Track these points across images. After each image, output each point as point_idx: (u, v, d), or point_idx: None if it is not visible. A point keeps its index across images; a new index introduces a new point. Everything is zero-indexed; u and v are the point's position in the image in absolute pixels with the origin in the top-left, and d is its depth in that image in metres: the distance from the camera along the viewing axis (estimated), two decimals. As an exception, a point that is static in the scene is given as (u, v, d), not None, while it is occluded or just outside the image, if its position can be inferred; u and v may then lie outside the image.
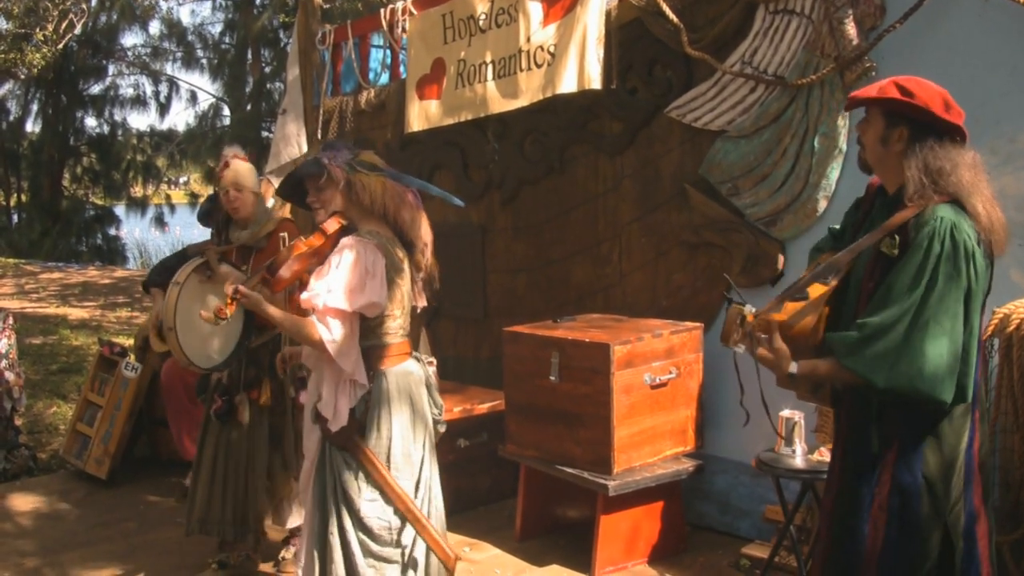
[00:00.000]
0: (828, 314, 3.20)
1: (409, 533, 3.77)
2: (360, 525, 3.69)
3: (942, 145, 3.07)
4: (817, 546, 3.40)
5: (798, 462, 4.53)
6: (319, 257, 3.77)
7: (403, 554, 3.77)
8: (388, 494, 3.71)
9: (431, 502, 3.89)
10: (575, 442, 5.17)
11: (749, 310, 3.23)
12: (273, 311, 3.76)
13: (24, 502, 6.47)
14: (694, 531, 5.62)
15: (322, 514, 3.77)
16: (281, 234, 4.85)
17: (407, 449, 3.78)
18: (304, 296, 3.64)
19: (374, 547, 3.70)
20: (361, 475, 3.71)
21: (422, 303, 4.08)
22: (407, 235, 3.85)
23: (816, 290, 3.21)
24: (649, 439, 5.19)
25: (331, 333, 3.59)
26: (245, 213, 5.03)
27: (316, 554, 3.76)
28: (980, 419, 3.17)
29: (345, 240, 3.70)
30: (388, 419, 3.74)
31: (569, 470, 5.18)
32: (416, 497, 3.79)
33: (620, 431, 5.02)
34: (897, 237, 3.05)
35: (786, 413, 4.60)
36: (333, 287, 3.58)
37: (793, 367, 3.11)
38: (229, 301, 3.76)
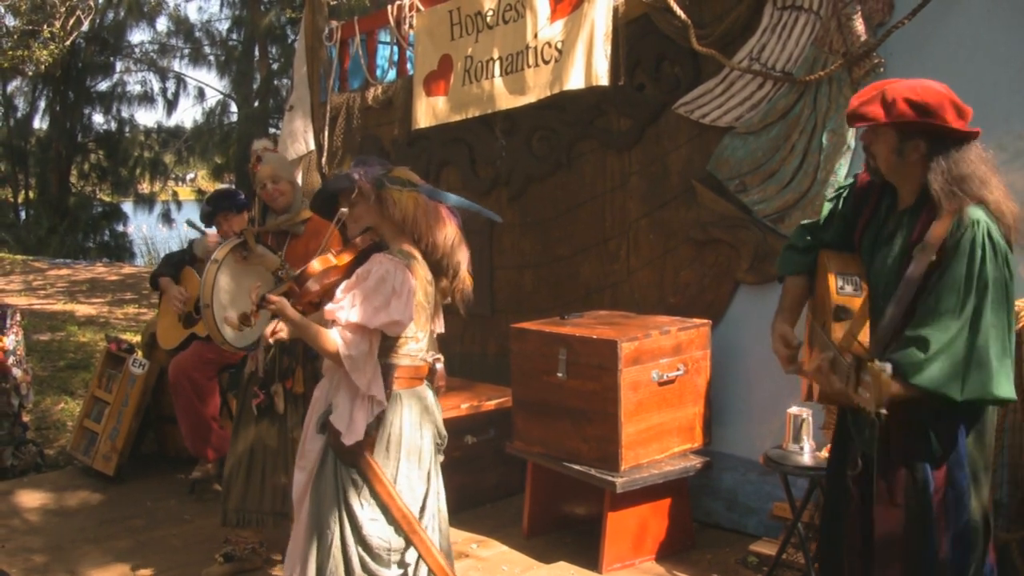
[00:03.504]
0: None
1: (412, 555, 3.72)
2: (361, 542, 3.65)
3: (960, 150, 3.10)
4: (878, 562, 3.30)
5: (806, 459, 4.51)
6: (349, 272, 3.75)
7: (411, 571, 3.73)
8: (393, 513, 3.66)
9: (438, 529, 3.85)
10: (582, 439, 5.16)
11: (889, 370, 2.92)
12: (295, 317, 3.75)
13: (32, 498, 6.48)
14: (701, 528, 5.62)
15: (319, 525, 3.72)
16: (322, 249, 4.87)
17: (411, 472, 3.74)
18: (328, 307, 3.63)
19: (372, 565, 3.66)
20: (366, 491, 3.67)
21: (439, 329, 4.08)
22: (438, 252, 3.79)
23: (854, 303, 3.22)
24: (656, 436, 5.19)
25: (348, 348, 3.57)
26: (285, 203, 5.06)
27: (313, 564, 3.73)
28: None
29: (376, 256, 3.67)
30: (398, 439, 3.70)
31: (576, 467, 5.18)
32: (422, 521, 3.75)
33: (627, 428, 5.02)
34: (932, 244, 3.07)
35: (794, 410, 4.59)
36: (357, 303, 3.56)
37: (864, 392, 3.01)
38: (255, 309, 3.76)
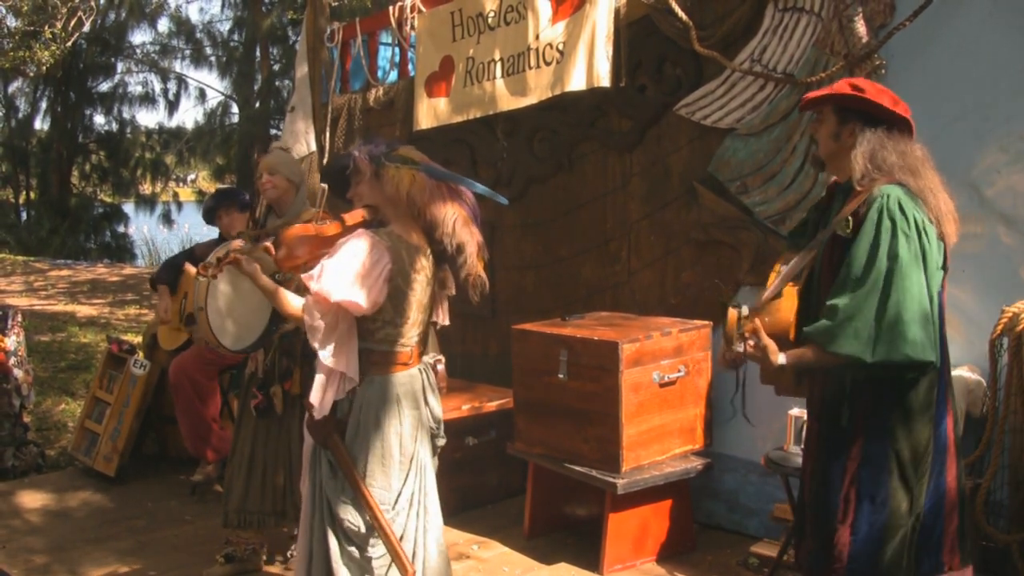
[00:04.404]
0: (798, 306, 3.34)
1: (381, 544, 3.69)
2: (336, 525, 3.65)
3: (890, 136, 3.25)
4: (805, 527, 3.48)
5: (807, 460, 4.51)
6: (333, 244, 3.68)
7: (376, 561, 3.68)
8: (360, 501, 3.65)
9: (419, 516, 3.80)
10: (584, 440, 5.17)
11: (744, 311, 3.32)
12: (268, 284, 3.76)
13: (33, 499, 6.48)
14: (702, 529, 5.62)
15: (311, 509, 3.75)
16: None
17: (387, 460, 3.70)
18: (304, 275, 3.61)
19: (348, 548, 3.66)
20: (340, 476, 3.67)
21: (443, 320, 4.04)
22: (438, 230, 3.71)
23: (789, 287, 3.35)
24: (658, 437, 5.19)
25: (312, 318, 3.55)
26: (274, 196, 5.04)
27: (306, 548, 3.76)
28: (952, 402, 3.32)
29: (358, 232, 3.64)
30: (369, 426, 3.68)
31: (578, 468, 5.18)
32: (395, 509, 3.70)
33: (629, 429, 5.02)
34: (850, 219, 3.20)
35: (795, 412, 4.60)
36: (325, 274, 3.53)
37: (781, 358, 3.21)
38: (216, 263, 3.74)
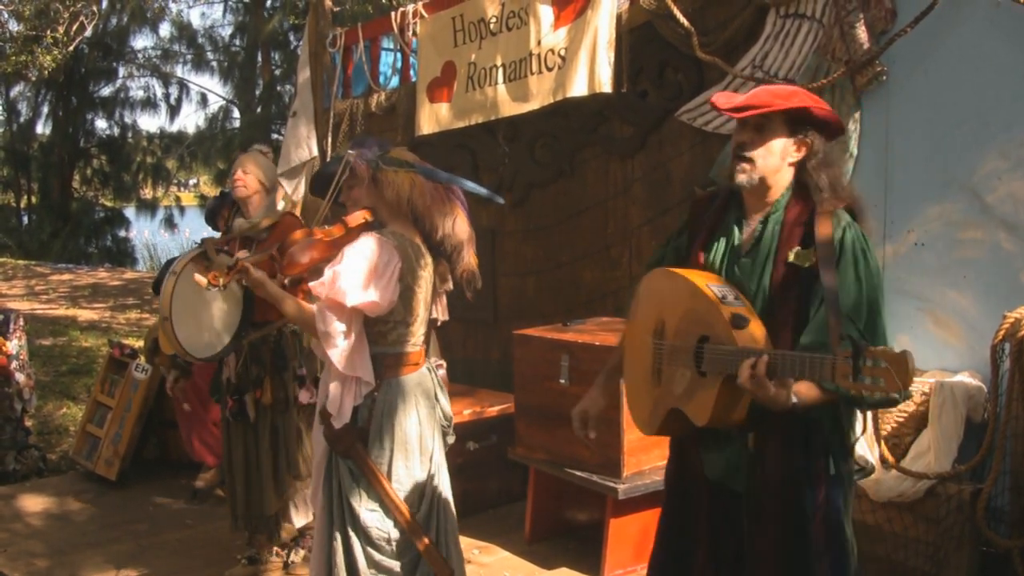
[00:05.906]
0: None
1: (411, 546, 3.70)
2: (362, 534, 3.65)
3: (832, 147, 2.97)
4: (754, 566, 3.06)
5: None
6: (338, 248, 3.68)
7: (405, 566, 3.71)
8: (388, 506, 3.65)
9: (440, 514, 3.82)
10: (584, 445, 5.15)
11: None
12: (277, 291, 3.75)
13: (34, 503, 6.49)
14: (703, 535, 5.61)
15: (328, 520, 3.75)
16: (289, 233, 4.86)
17: (410, 461, 3.71)
18: (312, 283, 3.61)
19: (376, 556, 3.66)
20: (363, 484, 3.66)
21: (443, 316, 4.04)
22: (438, 232, 3.75)
23: (745, 311, 2.86)
24: (658, 442, 5.15)
25: (325, 324, 3.55)
26: (244, 195, 5.07)
27: (324, 560, 3.75)
28: None
29: (364, 234, 3.65)
30: (391, 430, 3.68)
31: (578, 473, 5.18)
32: (420, 509, 3.73)
33: (630, 434, 5.02)
34: (801, 247, 2.89)
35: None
36: (338, 278, 3.52)
37: (794, 397, 2.71)
38: (227, 271, 3.74)
